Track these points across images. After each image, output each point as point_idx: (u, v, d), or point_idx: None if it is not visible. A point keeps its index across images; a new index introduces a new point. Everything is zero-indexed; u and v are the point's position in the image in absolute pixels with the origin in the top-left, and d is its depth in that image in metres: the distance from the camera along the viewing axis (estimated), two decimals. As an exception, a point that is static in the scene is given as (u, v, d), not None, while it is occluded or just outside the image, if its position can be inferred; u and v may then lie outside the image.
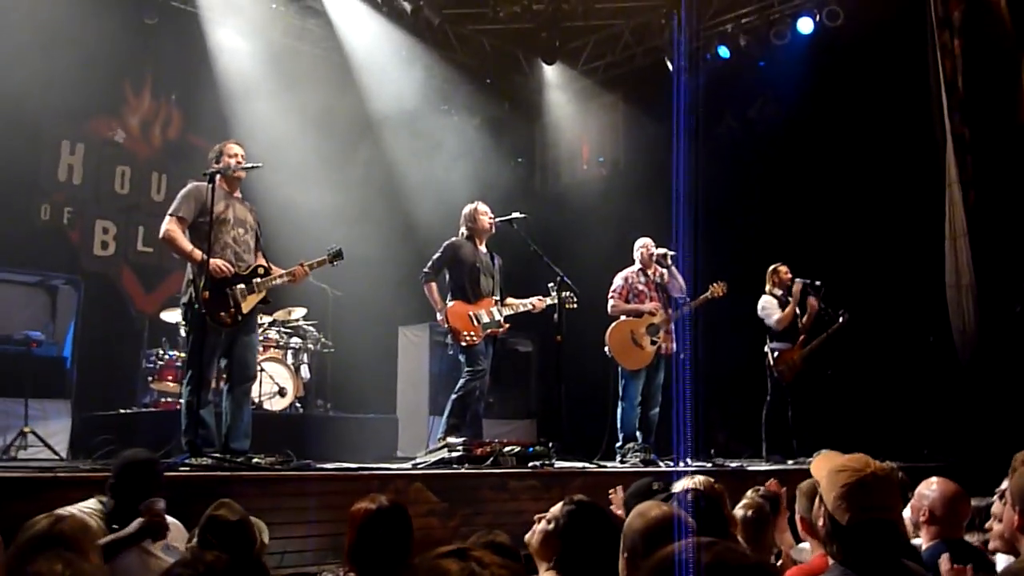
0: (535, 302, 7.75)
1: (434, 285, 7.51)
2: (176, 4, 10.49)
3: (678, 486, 4.43)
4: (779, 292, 9.18)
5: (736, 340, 9.25)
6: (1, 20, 9.09)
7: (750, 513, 4.32)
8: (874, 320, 9.55)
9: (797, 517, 4.07)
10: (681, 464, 7.54)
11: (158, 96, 11.14)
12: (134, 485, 3.97)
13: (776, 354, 8.97)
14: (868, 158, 10.13)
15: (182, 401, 6.18)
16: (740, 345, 9.23)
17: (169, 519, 4.08)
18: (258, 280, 6.24)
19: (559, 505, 3.32)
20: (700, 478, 4.29)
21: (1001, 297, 9.07)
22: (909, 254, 9.68)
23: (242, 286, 6.16)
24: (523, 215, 7.80)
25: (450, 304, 7.45)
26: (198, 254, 6.07)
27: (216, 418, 6.23)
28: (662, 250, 8.47)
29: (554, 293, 7.61)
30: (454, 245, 7.61)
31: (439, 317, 7.50)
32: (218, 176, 6.25)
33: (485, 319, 7.44)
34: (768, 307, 9.13)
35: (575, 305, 7.66)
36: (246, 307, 6.17)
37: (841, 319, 8.97)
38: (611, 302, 8.41)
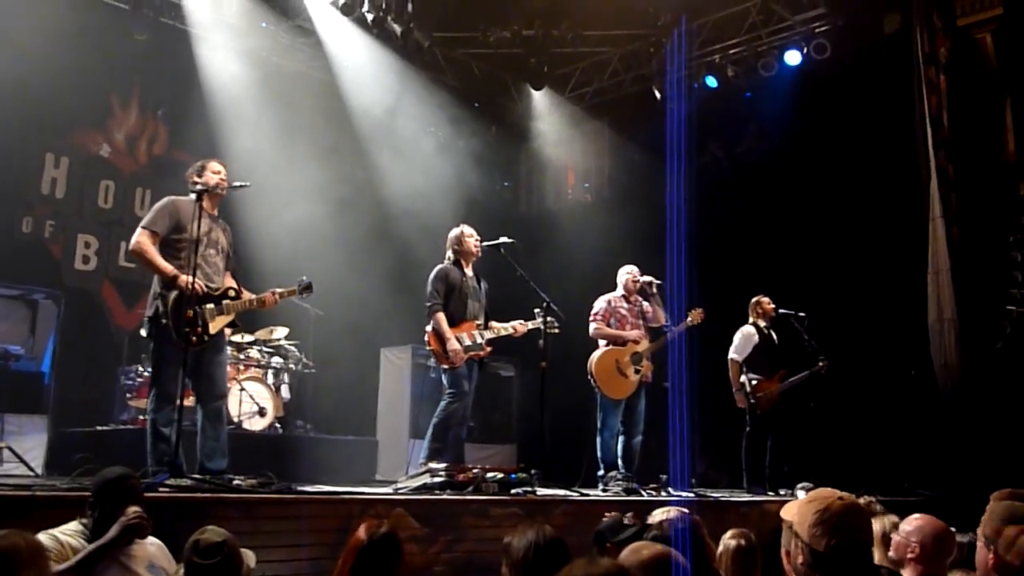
0: (516, 326, 7.72)
1: (443, 316, 7.40)
2: (166, 20, 10.46)
3: (653, 518, 4.41)
4: (762, 323, 9.18)
5: (715, 368, 9.23)
6: (-12, 31, 9.04)
7: (742, 542, 4.29)
8: (856, 353, 9.58)
9: (783, 551, 4.03)
10: (664, 494, 7.52)
11: (145, 111, 11.10)
12: (113, 501, 3.95)
13: (754, 383, 8.95)
14: (853, 191, 10.19)
15: (146, 417, 6.09)
16: (720, 374, 9.21)
17: (153, 540, 4.06)
18: (228, 302, 6.18)
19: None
20: (675, 509, 4.28)
21: (982, 333, 9.12)
22: (892, 288, 9.73)
23: (211, 306, 6.08)
24: (511, 240, 7.79)
25: (432, 328, 7.41)
26: (169, 268, 5.98)
27: (191, 437, 6.14)
28: (647, 278, 8.46)
29: (539, 318, 7.58)
30: (445, 270, 7.56)
31: (452, 346, 7.32)
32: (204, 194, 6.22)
33: (467, 342, 7.40)
34: (741, 339, 9.12)
35: (556, 331, 7.62)
36: (213, 328, 6.09)
37: (821, 364, 8.98)
38: (593, 325, 8.37)
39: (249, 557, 3.76)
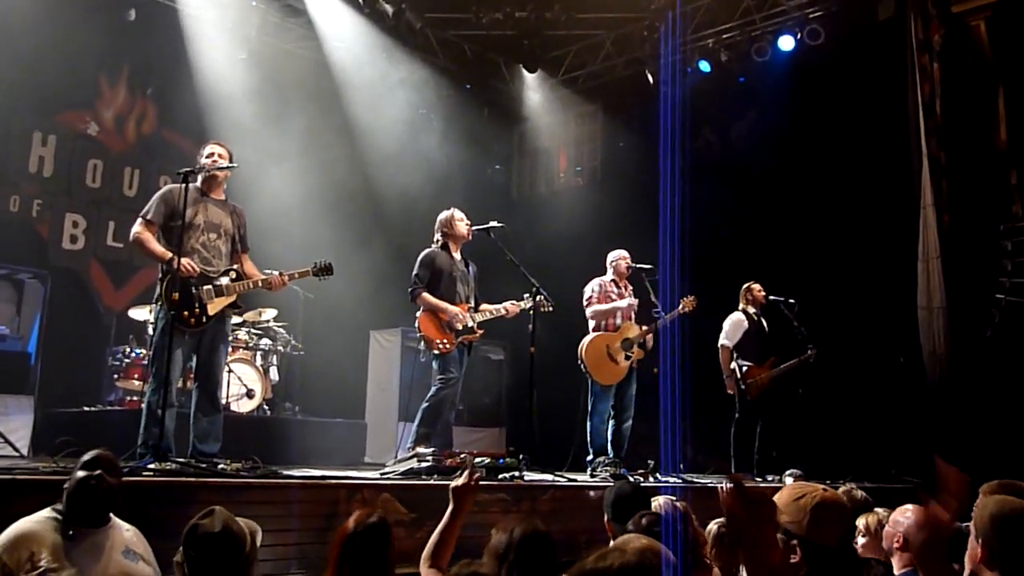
0: (508, 307, 7.63)
1: (428, 294, 7.33)
2: (155, -2, 10.38)
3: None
4: (752, 310, 9.19)
5: (705, 355, 9.22)
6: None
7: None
8: (845, 340, 9.58)
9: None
10: (652, 479, 7.52)
11: (134, 90, 11.03)
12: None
13: (744, 369, 8.97)
14: (844, 178, 10.17)
15: (144, 401, 6.07)
16: (709, 359, 9.20)
17: (127, 526, 4.00)
18: (227, 283, 6.13)
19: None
20: (661, 499, 4.27)
21: (972, 320, 9.13)
22: (882, 275, 9.73)
23: (209, 287, 6.04)
24: (501, 224, 7.72)
25: (422, 312, 7.36)
26: (164, 253, 6.00)
27: (183, 419, 6.12)
28: (639, 264, 8.44)
29: (529, 301, 7.52)
30: (431, 254, 7.49)
31: (454, 312, 7.26)
32: (199, 177, 6.17)
33: (458, 326, 7.36)
34: (731, 326, 9.13)
35: (550, 308, 7.56)
36: (212, 309, 6.05)
37: (810, 351, 9.01)
38: (589, 309, 8.33)
39: (255, 532, 3.61)
